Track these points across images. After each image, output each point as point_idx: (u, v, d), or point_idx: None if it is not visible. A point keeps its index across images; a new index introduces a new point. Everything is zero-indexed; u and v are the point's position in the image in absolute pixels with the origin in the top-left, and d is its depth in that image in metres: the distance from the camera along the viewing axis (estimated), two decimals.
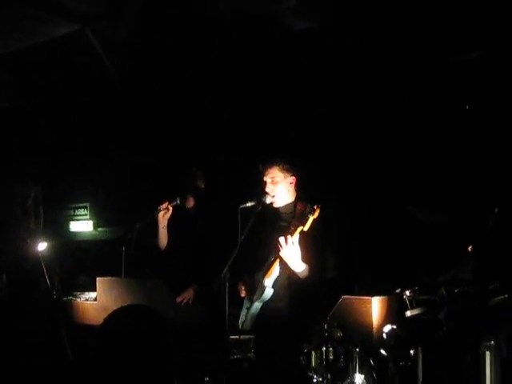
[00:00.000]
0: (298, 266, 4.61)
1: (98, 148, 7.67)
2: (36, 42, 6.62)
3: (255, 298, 4.83)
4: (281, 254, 4.58)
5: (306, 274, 4.64)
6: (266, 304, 4.82)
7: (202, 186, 5.73)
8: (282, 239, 4.54)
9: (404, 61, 5.64)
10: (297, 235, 4.56)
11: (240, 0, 5.72)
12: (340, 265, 4.97)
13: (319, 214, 4.56)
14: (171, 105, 6.90)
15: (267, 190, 4.85)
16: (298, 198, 4.92)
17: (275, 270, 4.72)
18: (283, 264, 4.66)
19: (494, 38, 5.29)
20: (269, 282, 4.74)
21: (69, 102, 7.37)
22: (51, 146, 7.74)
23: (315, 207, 4.57)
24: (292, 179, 4.89)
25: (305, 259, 4.62)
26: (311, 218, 4.55)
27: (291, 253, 4.54)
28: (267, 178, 4.88)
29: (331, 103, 6.10)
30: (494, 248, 4.62)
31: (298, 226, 4.56)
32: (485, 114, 5.37)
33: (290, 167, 4.87)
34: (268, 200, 4.85)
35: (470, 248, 4.64)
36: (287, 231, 4.63)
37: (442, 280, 4.55)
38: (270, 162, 4.89)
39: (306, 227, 4.55)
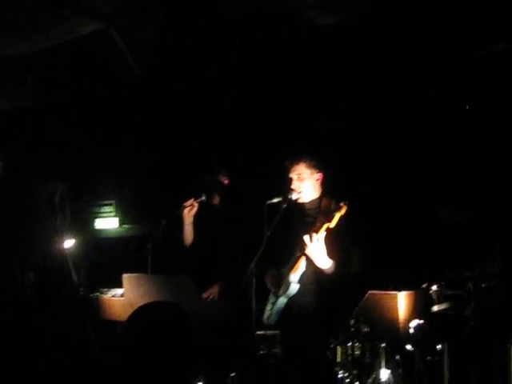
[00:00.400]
0: (325, 263, 4.61)
1: (124, 145, 7.71)
2: (60, 41, 6.68)
3: (281, 292, 4.84)
4: (306, 251, 4.58)
5: (332, 270, 4.64)
6: (291, 299, 4.83)
7: (226, 182, 5.74)
8: (306, 237, 4.54)
9: (429, 56, 5.62)
10: (323, 233, 4.56)
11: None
12: (366, 260, 4.95)
13: (346, 210, 4.55)
14: (195, 101, 6.92)
15: (293, 186, 4.86)
16: (323, 194, 4.93)
17: (301, 266, 4.72)
18: (309, 260, 4.66)
19: None
20: (295, 277, 4.75)
21: (94, 100, 7.42)
22: (77, 144, 7.79)
23: (342, 204, 4.56)
24: (319, 176, 4.89)
25: (331, 255, 4.62)
26: (338, 215, 4.54)
27: (317, 250, 4.54)
28: (293, 175, 4.89)
29: (355, 100, 6.09)
30: None
31: (324, 223, 4.56)
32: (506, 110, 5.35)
33: (317, 164, 4.88)
34: (294, 196, 4.86)
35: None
36: (313, 228, 4.64)
37: (468, 275, 4.53)
38: (297, 158, 4.90)
39: (333, 224, 4.55)
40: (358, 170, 5.91)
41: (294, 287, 4.76)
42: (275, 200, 4.85)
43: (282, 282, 4.85)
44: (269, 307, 4.95)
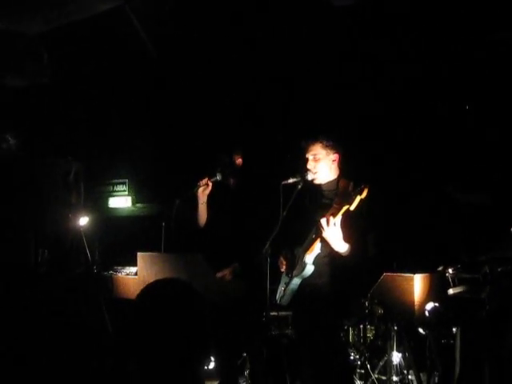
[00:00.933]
0: (341, 247, 4.56)
1: (137, 124, 7.70)
2: (76, 19, 6.66)
3: (295, 273, 4.82)
4: (323, 235, 4.53)
5: (348, 253, 4.59)
6: (305, 280, 4.81)
7: (239, 162, 5.70)
8: (323, 220, 4.48)
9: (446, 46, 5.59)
10: (339, 216, 4.49)
11: None
12: (382, 243, 4.92)
13: (367, 193, 4.47)
14: (210, 81, 6.89)
15: (309, 166, 4.83)
16: (340, 176, 4.88)
17: (316, 247, 4.69)
18: (325, 242, 4.62)
19: None
20: (310, 258, 4.72)
21: (108, 79, 7.41)
22: (91, 123, 7.79)
23: (363, 186, 4.47)
24: (335, 156, 4.85)
25: (347, 239, 4.57)
26: (358, 198, 4.44)
27: (333, 234, 4.48)
28: (309, 155, 4.84)
29: (370, 83, 6.05)
30: None
31: (343, 205, 4.46)
32: None
33: (333, 144, 4.83)
34: (310, 177, 4.82)
35: None
36: (330, 210, 4.59)
37: (484, 259, 4.51)
38: (313, 138, 4.85)
39: (353, 206, 4.45)
40: (376, 152, 5.88)
41: (309, 268, 4.74)
42: (291, 180, 4.82)
43: (296, 262, 4.83)
44: (282, 287, 4.93)
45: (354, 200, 4.41)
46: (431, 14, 5.54)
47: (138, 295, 2.38)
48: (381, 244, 4.83)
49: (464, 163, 5.51)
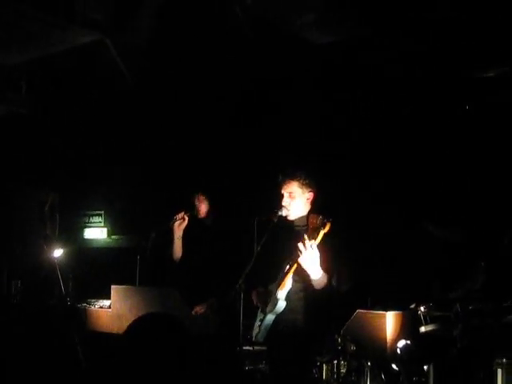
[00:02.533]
0: (317, 272, 4.57)
1: (114, 156, 7.70)
2: (55, 51, 6.69)
3: (268, 309, 4.82)
4: (300, 259, 4.54)
5: (322, 281, 4.60)
6: (279, 316, 4.81)
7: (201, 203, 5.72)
8: (300, 245, 4.50)
9: (428, 75, 5.66)
10: (317, 240, 4.51)
11: (260, 9, 5.77)
12: (353, 278, 4.94)
13: (330, 228, 4.53)
14: (186, 115, 6.93)
15: (284, 203, 4.85)
16: (311, 211, 4.91)
17: (288, 283, 4.70)
18: (299, 273, 4.63)
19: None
20: (282, 294, 4.73)
21: (86, 111, 7.42)
22: (68, 154, 7.78)
23: (325, 221, 4.53)
24: (310, 195, 4.88)
25: (321, 265, 4.59)
26: (322, 233, 4.52)
27: (310, 257, 4.50)
28: (285, 192, 4.87)
29: (347, 117, 6.11)
30: (509, 265, 4.61)
31: (312, 238, 4.53)
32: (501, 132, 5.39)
33: (309, 183, 4.86)
34: (284, 213, 4.85)
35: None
36: (305, 238, 4.61)
37: (455, 295, 4.54)
38: (291, 175, 4.88)
39: (317, 241, 4.52)
40: (348, 186, 5.92)
41: (281, 304, 4.74)
42: (265, 216, 4.84)
43: (269, 298, 4.83)
44: (257, 324, 4.93)
45: (318, 235, 4.47)
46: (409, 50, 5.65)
47: (126, 331, 2.37)
48: (353, 279, 4.86)
49: (438, 199, 5.56)
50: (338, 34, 5.63)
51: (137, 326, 2.38)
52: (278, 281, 4.76)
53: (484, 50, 5.37)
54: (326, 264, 4.61)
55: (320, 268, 4.57)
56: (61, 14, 5.80)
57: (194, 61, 6.48)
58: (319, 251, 4.54)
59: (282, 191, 4.89)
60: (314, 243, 4.52)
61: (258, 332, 4.86)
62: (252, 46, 6.04)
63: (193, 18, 6.08)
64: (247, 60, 6.20)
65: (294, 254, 4.61)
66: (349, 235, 4.87)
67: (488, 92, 5.43)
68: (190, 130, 6.99)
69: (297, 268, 4.62)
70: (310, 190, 4.86)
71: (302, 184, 4.84)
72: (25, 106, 7.36)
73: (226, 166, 6.65)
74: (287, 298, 4.75)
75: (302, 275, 4.64)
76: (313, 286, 4.65)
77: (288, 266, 4.70)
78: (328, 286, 4.63)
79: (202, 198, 5.63)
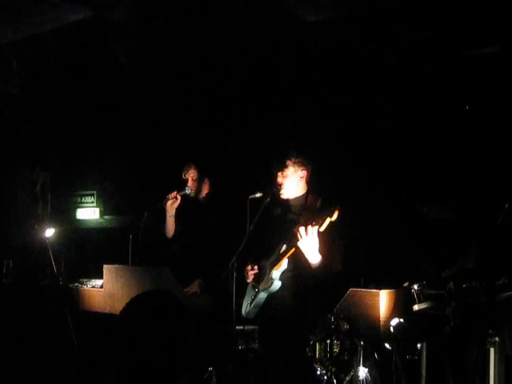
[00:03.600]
0: (315, 257, 4.54)
1: (106, 136, 7.66)
2: (46, 29, 6.62)
3: (261, 287, 4.80)
4: (299, 243, 4.50)
5: (319, 265, 4.58)
6: (271, 294, 4.80)
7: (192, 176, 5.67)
8: (302, 229, 4.45)
9: (417, 57, 5.63)
10: (321, 227, 4.46)
11: None
12: (348, 258, 4.93)
13: (338, 216, 4.45)
14: (180, 94, 6.88)
15: (278, 181, 4.83)
16: (308, 191, 4.88)
17: (284, 263, 4.68)
18: (298, 254, 4.59)
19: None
20: (277, 274, 4.71)
21: (78, 89, 7.36)
22: (60, 133, 7.73)
23: (333, 208, 4.44)
24: (303, 173, 4.83)
25: (320, 250, 4.55)
26: (328, 220, 4.43)
27: (310, 244, 4.46)
28: (278, 171, 4.84)
29: (342, 98, 6.09)
30: (503, 243, 4.61)
31: (316, 221, 4.46)
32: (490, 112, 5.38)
33: (301, 161, 4.82)
34: (277, 191, 4.82)
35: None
36: (295, 225, 4.58)
37: (448, 274, 4.54)
38: (282, 154, 4.84)
39: (322, 228, 4.44)
40: (343, 167, 5.90)
41: (277, 284, 4.72)
42: (258, 195, 4.82)
43: (262, 276, 4.81)
44: (247, 301, 4.91)
45: (323, 221, 4.39)
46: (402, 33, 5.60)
47: (123, 309, 2.34)
48: (347, 259, 4.85)
49: (430, 179, 5.55)
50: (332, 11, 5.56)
51: (135, 305, 2.34)
52: (273, 260, 4.73)
53: (474, 30, 5.34)
54: (325, 248, 4.57)
55: (318, 253, 4.54)
56: None
57: (187, 43, 6.43)
58: (319, 236, 4.50)
59: (275, 170, 4.85)
60: (318, 229, 4.46)
61: (249, 310, 4.84)
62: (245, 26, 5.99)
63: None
64: (240, 41, 6.15)
65: (292, 236, 4.57)
66: (349, 221, 4.84)
67: (477, 72, 5.42)
68: (183, 109, 6.95)
69: (294, 251, 4.59)
70: (302, 168, 4.82)
71: (294, 162, 4.79)
72: (16, 85, 7.29)
73: (219, 144, 6.62)
74: (281, 277, 4.73)
75: (295, 256, 4.61)
76: (303, 267, 4.62)
77: (285, 247, 4.67)
78: (323, 268, 4.60)
79: (194, 175, 5.59)
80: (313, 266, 4.57)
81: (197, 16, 6.07)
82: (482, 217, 4.93)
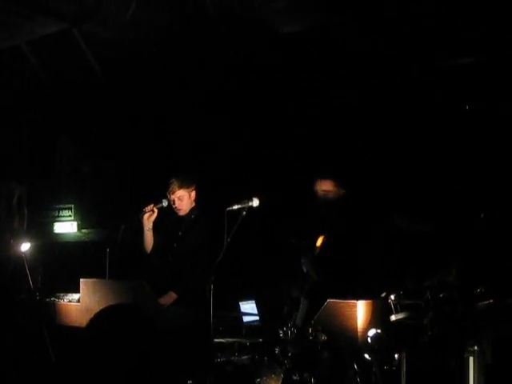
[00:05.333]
0: None
1: (83, 149, 7.63)
2: (22, 41, 6.61)
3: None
4: None
5: None
6: None
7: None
8: None
9: (392, 70, 5.67)
10: None
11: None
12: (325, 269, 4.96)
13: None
14: (159, 106, 6.87)
15: None
16: None
17: None
18: None
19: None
20: None
21: (57, 101, 7.34)
22: (37, 146, 7.69)
23: None
24: None
25: None
26: None
27: None
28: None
29: (318, 107, 6.10)
30: (480, 253, 4.63)
31: None
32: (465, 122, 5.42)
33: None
34: (255, 203, 4.80)
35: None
36: None
37: (427, 285, 4.54)
38: None
39: None
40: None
41: None
42: (235, 207, 4.80)
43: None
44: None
45: None
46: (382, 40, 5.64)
47: (87, 325, 2.32)
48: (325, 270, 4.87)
49: (407, 190, 5.57)
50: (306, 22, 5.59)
51: (100, 319, 2.32)
52: None
53: (459, 39, 5.38)
54: None
55: None
56: (24, 3, 5.72)
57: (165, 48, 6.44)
58: None
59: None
60: None
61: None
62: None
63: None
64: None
65: None
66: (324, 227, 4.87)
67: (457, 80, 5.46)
68: (162, 120, 6.94)
69: None
70: None
71: None
72: None
73: (197, 157, 6.61)
74: None
75: None
76: None
77: None
78: None
79: (180, 194, 5.50)
80: None
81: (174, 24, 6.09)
82: (458, 226, 4.95)
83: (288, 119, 6.25)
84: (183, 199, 5.49)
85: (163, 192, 5.59)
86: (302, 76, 6.08)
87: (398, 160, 5.66)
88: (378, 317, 4.49)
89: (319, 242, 4.62)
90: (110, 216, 7.16)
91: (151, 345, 2.30)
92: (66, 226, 8.05)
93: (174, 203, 5.49)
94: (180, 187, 5.48)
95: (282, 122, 6.29)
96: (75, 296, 5.66)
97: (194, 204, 5.55)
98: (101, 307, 5.08)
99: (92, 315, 5.11)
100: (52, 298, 5.91)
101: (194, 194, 5.52)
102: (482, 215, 4.51)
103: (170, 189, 5.51)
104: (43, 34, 6.22)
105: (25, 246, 6.16)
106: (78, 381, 4.83)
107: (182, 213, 5.51)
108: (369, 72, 5.81)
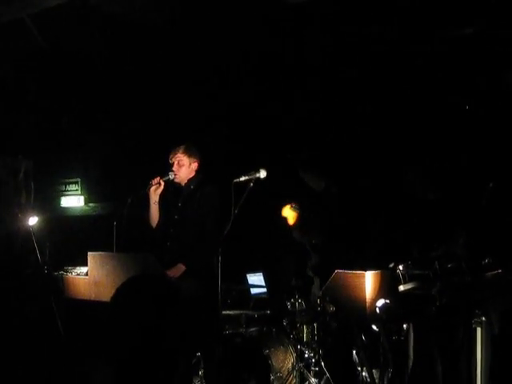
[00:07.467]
0: None
1: (91, 123, 7.61)
2: (26, 13, 6.57)
3: None
4: None
5: None
6: None
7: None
8: None
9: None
10: None
11: None
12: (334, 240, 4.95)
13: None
14: (164, 81, 6.84)
15: None
16: None
17: None
18: None
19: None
20: None
21: (62, 75, 7.31)
22: (43, 120, 7.68)
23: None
24: None
25: None
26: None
27: None
28: None
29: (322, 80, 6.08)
30: (488, 223, 4.61)
31: None
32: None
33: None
34: (262, 174, 4.78)
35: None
36: None
37: (434, 255, 4.54)
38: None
39: None
40: (330, 149, 5.90)
41: None
42: (242, 178, 4.78)
43: None
44: None
45: None
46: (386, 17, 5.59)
47: (113, 296, 2.30)
48: (334, 241, 4.86)
49: (421, 158, 5.55)
50: None
51: (124, 291, 2.30)
52: None
53: (459, 8, 5.32)
54: None
55: None
56: None
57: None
58: None
59: None
60: None
61: None
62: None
63: None
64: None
65: None
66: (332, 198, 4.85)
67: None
68: (169, 96, 6.91)
69: None
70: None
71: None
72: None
73: (204, 129, 6.59)
74: None
75: None
76: None
77: None
78: None
79: (181, 159, 5.50)
80: None
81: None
82: (468, 196, 4.94)
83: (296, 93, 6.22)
84: (182, 165, 5.45)
85: (170, 165, 5.58)
86: (307, 50, 6.04)
87: (409, 126, 5.64)
88: (387, 287, 4.49)
89: None
90: (117, 190, 7.15)
91: (173, 316, 2.29)
92: (73, 200, 8.06)
93: (172, 166, 5.48)
94: (183, 152, 5.45)
95: (291, 96, 6.25)
96: (83, 269, 5.67)
97: (193, 174, 5.52)
98: (108, 280, 5.11)
99: (100, 288, 5.18)
100: (60, 272, 5.92)
101: (195, 165, 5.48)
102: (492, 185, 4.48)
103: (174, 150, 5.50)
104: (50, 5, 6.18)
105: (32, 220, 6.17)
106: (87, 352, 4.88)
107: (177, 179, 5.45)
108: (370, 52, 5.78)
